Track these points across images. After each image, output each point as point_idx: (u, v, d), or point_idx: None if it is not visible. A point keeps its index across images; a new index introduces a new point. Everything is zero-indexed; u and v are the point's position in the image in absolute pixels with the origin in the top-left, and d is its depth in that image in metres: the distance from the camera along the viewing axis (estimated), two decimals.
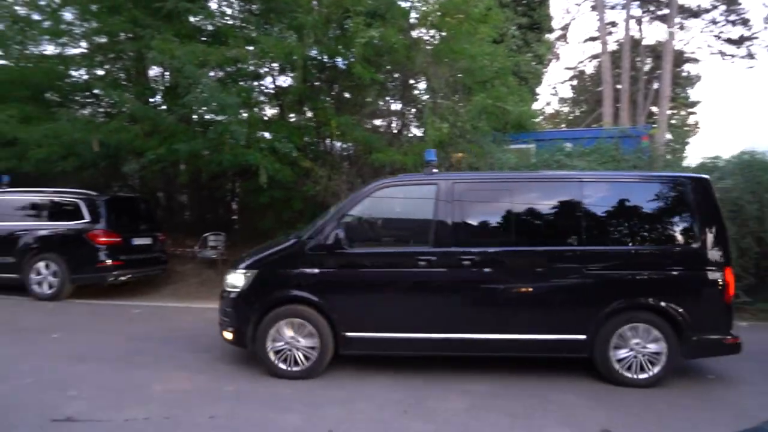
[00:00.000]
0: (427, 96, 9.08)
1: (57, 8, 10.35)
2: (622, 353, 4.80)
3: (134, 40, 9.80)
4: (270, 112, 11.06)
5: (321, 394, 4.66)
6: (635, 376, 4.78)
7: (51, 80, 10.92)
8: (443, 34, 9.36)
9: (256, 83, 10.72)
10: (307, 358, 4.95)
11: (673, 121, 22.18)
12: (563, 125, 27.31)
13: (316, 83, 10.28)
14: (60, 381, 4.92)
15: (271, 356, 4.94)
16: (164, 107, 10.35)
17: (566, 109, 30.16)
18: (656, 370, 4.78)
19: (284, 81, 10.77)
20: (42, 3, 10.42)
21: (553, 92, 31.10)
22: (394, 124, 10.98)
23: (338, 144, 10.66)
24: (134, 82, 10.97)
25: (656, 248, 4.98)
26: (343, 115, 9.21)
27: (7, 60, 11.28)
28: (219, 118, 8.82)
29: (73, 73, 11.23)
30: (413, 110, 10.69)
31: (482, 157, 8.62)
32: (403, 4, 9.48)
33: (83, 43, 11.06)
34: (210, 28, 10.27)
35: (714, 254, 4.82)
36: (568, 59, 50.64)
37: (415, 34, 9.59)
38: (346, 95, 10.72)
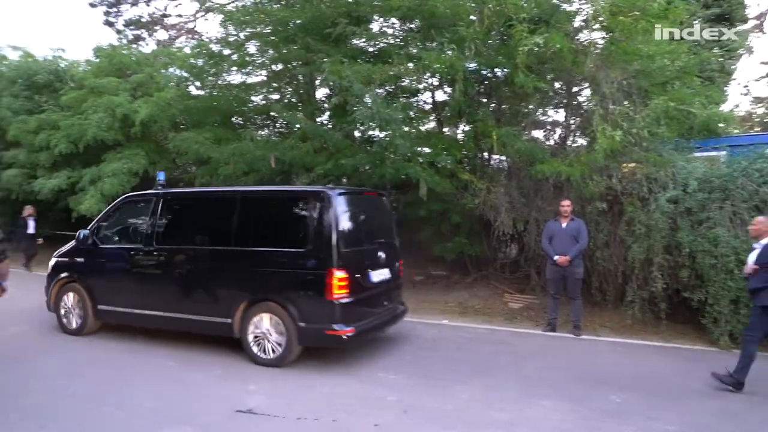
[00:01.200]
0: (595, 102, 8.36)
1: (243, 42, 11.66)
2: (257, 337, 5.73)
3: (306, 65, 10.63)
4: (427, 126, 11.17)
5: (480, 413, 4.49)
6: (266, 356, 5.69)
7: (237, 106, 12.33)
8: (613, 34, 8.59)
9: (414, 99, 10.93)
10: (75, 321, 6.93)
11: None
12: (757, 129, 23.59)
13: (475, 96, 10.13)
14: (241, 375, 5.41)
15: (63, 320, 7.02)
16: (330, 126, 11.02)
17: (761, 110, 26.07)
18: (280, 352, 5.63)
19: (442, 95, 10.84)
20: (231, 39, 11.84)
21: (744, 91, 26.81)
22: (556, 135, 10.39)
23: (495, 156, 10.37)
24: (305, 104, 11.89)
25: (280, 251, 5.73)
26: (504, 127, 8.92)
27: (203, 90, 13.05)
28: (381, 134, 9.11)
29: (254, 98, 12.56)
30: (578, 119, 10.00)
31: (663, 166, 7.67)
32: (569, 8, 8.94)
33: (263, 72, 12.32)
34: (371, 49, 10.76)
35: (319, 257, 5.51)
36: (763, 53, 43.58)
37: (582, 37, 8.96)
38: (505, 106, 10.42)
